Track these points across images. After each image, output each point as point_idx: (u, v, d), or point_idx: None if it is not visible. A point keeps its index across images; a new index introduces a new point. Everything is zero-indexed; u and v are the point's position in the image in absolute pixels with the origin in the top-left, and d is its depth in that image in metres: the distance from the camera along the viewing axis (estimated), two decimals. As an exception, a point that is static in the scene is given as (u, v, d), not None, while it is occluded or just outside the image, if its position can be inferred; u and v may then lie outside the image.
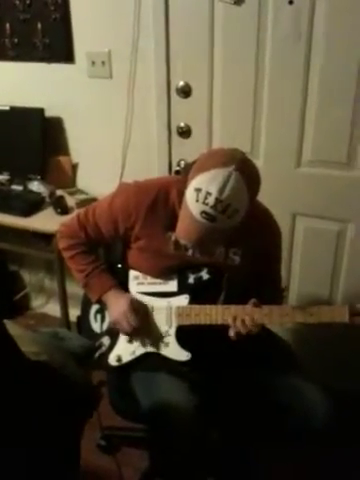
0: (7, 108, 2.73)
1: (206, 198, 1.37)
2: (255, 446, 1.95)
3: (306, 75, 2.13)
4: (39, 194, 2.69)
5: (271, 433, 1.73)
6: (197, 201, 1.39)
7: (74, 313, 2.15)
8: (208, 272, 1.69)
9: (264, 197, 1.59)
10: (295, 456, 2.05)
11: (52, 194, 2.65)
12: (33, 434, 1.07)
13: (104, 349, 1.77)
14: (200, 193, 1.38)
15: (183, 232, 1.46)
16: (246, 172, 1.40)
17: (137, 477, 2.09)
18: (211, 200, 1.37)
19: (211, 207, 1.37)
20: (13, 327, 1.13)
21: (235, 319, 1.57)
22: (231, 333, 1.58)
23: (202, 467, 1.77)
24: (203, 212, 1.38)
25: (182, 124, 2.43)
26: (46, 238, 2.52)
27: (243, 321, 1.56)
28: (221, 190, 1.36)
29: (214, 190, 1.37)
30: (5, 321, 1.07)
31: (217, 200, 1.36)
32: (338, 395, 1.67)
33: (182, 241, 1.51)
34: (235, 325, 1.57)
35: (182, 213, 1.46)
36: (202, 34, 2.24)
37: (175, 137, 2.47)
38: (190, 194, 1.41)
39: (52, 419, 1.11)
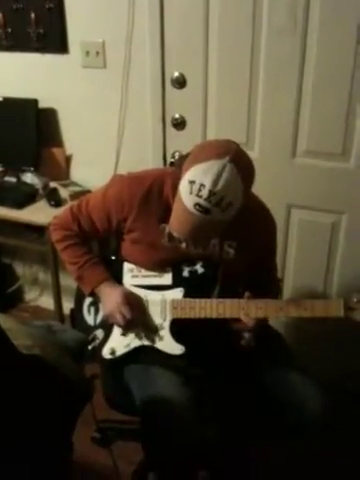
0: (0, 99, 2.71)
1: (200, 190, 1.36)
2: (250, 441, 1.95)
3: (301, 66, 2.12)
4: (33, 186, 2.68)
5: (266, 428, 1.73)
6: (191, 193, 1.37)
7: (68, 306, 2.14)
8: (203, 265, 1.68)
9: (259, 189, 1.58)
10: (291, 451, 2.05)
11: (46, 186, 2.64)
12: (25, 428, 1.06)
13: (98, 342, 1.76)
14: (194, 185, 1.37)
15: (176, 225, 1.45)
16: (240, 164, 1.39)
17: (131, 470, 2.09)
18: (205, 192, 1.35)
19: (205, 199, 1.36)
20: (5, 320, 1.12)
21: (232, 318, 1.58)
22: (243, 343, 1.61)
23: (195, 461, 1.77)
24: (197, 204, 1.37)
25: (177, 115, 2.42)
26: (39, 230, 2.52)
27: (240, 321, 1.56)
28: (215, 182, 1.35)
29: (208, 182, 1.35)
30: (-3, 314, 1.06)
31: (211, 192, 1.35)
32: (335, 391, 1.67)
33: (175, 234, 1.49)
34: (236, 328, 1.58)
35: (175, 205, 1.45)
36: (197, 24, 2.22)
37: (170, 128, 2.46)
38: (184, 186, 1.40)
39: (45, 413, 1.10)
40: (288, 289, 2.51)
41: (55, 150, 2.76)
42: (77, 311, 1.88)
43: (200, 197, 1.36)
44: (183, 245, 1.61)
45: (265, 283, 1.72)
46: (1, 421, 1.02)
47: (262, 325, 1.62)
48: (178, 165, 1.53)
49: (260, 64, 2.18)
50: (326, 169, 2.23)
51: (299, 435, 1.70)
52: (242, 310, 1.58)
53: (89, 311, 1.84)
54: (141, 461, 2.08)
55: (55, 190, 2.61)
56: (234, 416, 1.83)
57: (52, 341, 1.36)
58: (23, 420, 1.05)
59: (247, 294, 1.57)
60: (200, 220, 1.39)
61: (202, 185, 1.35)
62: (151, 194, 1.63)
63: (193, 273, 1.69)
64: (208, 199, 1.35)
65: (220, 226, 1.45)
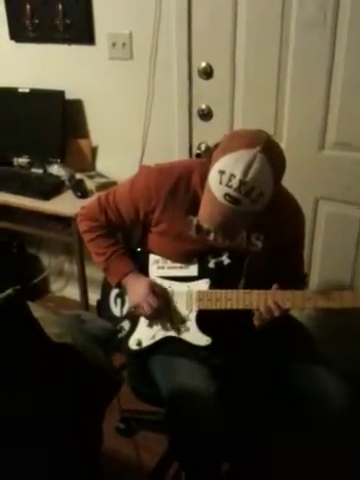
0: (27, 90, 2.72)
1: (230, 180, 1.35)
2: (272, 433, 1.94)
3: (331, 58, 2.08)
4: (59, 177, 2.69)
5: (288, 420, 1.72)
6: (221, 183, 1.36)
7: (93, 297, 2.14)
8: (229, 257, 1.67)
9: (286, 180, 1.56)
10: (312, 445, 2.04)
11: (72, 177, 2.65)
12: (57, 416, 1.07)
13: (124, 333, 1.77)
14: (224, 175, 1.36)
15: (206, 215, 1.45)
16: (271, 154, 1.37)
17: (155, 461, 2.10)
18: (235, 182, 1.34)
19: (235, 190, 1.35)
20: (36, 309, 1.13)
21: (259, 305, 1.56)
22: (256, 322, 1.57)
23: (219, 453, 1.77)
24: (227, 195, 1.36)
25: (203, 106, 2.40)
26: (64, 221, 2.53)
27: (268, 307, 1.55)
28: (245, 172, 1.34)
29: (238, 172, 1.34)
30: (29, 303, 1.07)
31: (241, 182, 1.34)
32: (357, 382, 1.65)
33: (205, 225, 1.49)
34: (259, 311, 1.56)
35: (205, 196, 1.44)
36: (225, 14, 2.20)
37: (196, 119, 2.45)
38: (213, 176, 1.39)
39: (76, 401, 1.11)
40: (314, 282, 2.48)
41: (81, 141, 2.77)
42: (103, 302, 1.89)
43: (230, 187, 1.35)
44: (211, 237, 1.61)
45: (290, 277, 1.69)
46: (34, 409, 1.03)
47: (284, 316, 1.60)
48: (207, 155, 1.52)
49: (289, 55, 2.16)
50: (355, 161, 2.19)
51: (320, 427, 1.69)
52: (271, 300, 1.56)
53: (115, 302, 1.85)
54: (165, 452, 2.08)
55: (81, 181, 2.62)
56: (256, 407, 1.82)
57: (82, 330, 1.36)
58: (55, 408, 1.06)
59: (275, 286, 1.56)
60: (230, 210, 1.38)
61: (232, 175, 1.34)
62: (179, 185, 1.62)
63: (219, 264, 1.68)
64: (238, 189, 1.34)
65: (250, 217, 1.44)
